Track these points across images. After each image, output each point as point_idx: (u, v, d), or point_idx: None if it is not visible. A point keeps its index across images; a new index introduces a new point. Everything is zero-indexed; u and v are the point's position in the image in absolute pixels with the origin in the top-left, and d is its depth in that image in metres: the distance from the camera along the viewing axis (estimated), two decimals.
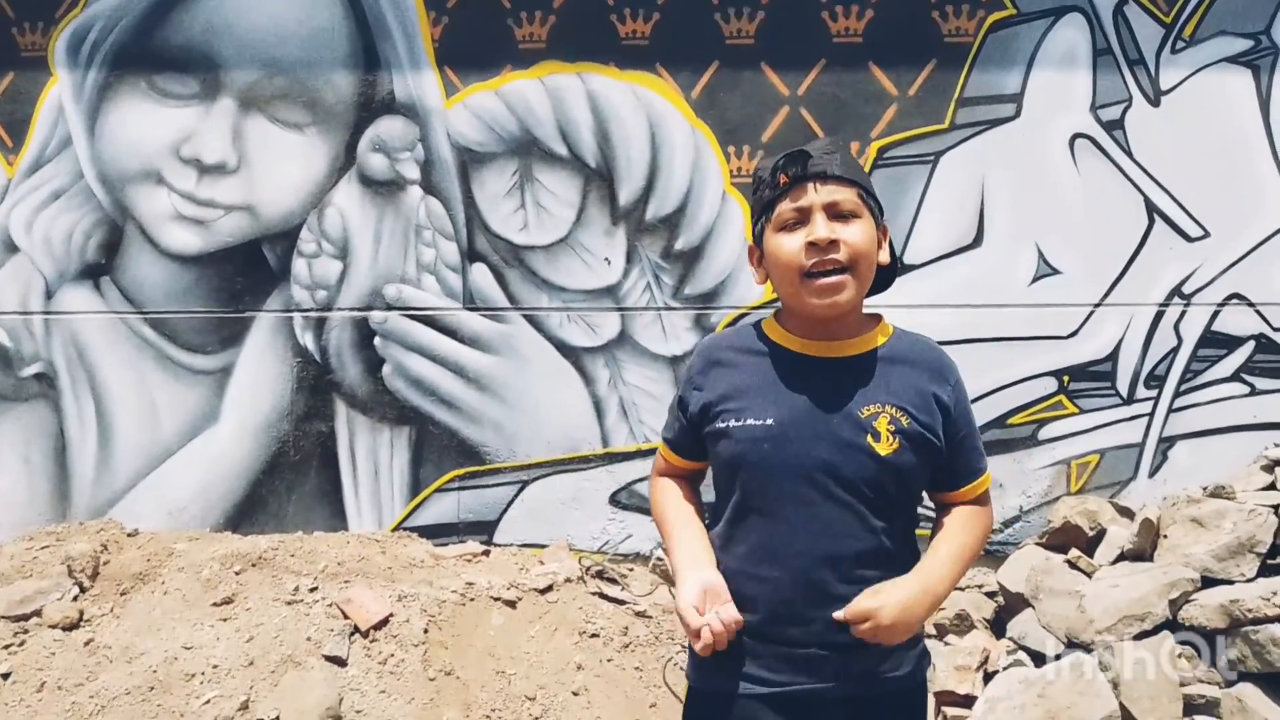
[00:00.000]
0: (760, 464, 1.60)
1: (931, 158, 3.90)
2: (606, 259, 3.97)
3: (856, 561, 1.59)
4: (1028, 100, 3.89)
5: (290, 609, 3.16)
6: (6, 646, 3.03)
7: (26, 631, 3.10)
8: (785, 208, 1.60)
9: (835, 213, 1.58)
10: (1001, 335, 3.90)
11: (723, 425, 1.64)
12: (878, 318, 1.70)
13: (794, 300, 1.63)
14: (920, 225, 3.91)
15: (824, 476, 1.58)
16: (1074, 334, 3.92)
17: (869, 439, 1.58)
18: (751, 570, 1.62)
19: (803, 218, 1.59)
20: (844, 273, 1.58)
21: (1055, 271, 3.92)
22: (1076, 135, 3.89)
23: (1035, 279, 3.91)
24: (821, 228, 1.56)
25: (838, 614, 1.54)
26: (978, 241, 3.91)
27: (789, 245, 1.59)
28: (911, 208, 3.91)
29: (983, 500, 1.73)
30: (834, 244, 1.56)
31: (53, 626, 3.13)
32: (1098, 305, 3.91)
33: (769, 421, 1.60)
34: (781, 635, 1.60)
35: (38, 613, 3.18)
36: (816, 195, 1.58)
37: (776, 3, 3.93)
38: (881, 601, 1.53)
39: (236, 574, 3.34)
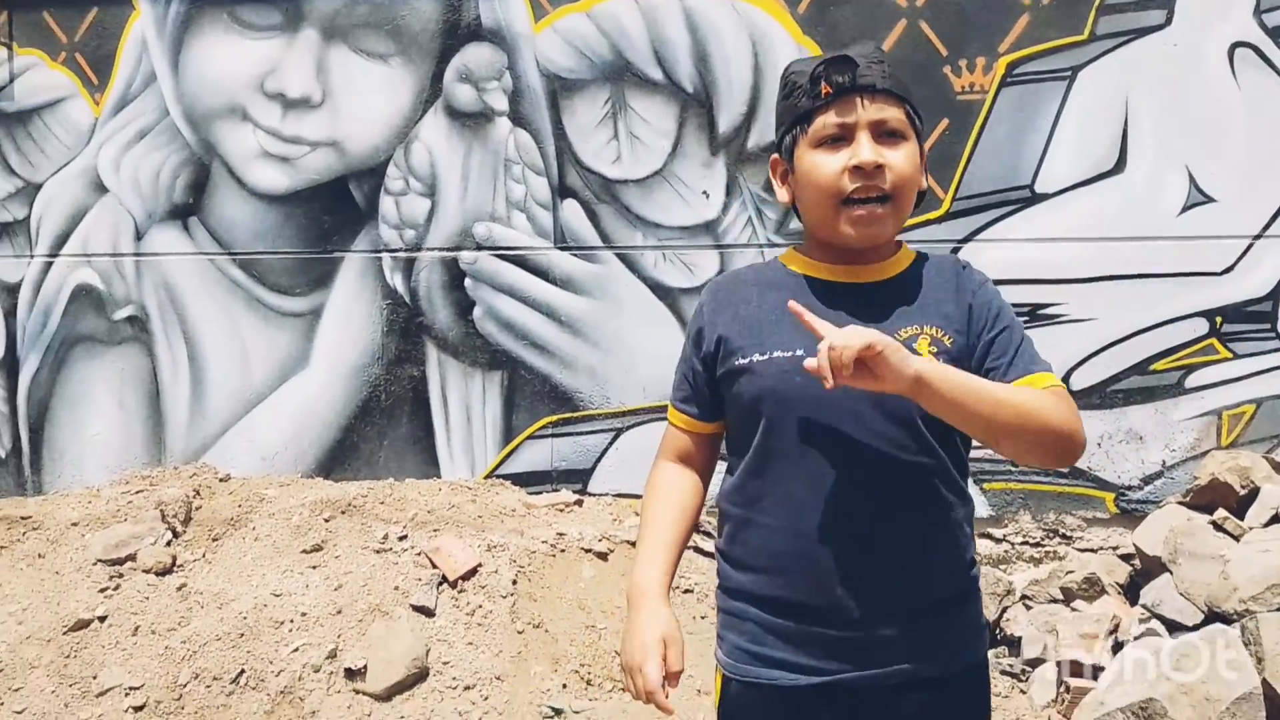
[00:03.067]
0: (790, 399, 1.49)
1: (1068, 73, 3.71)
2: (705, 192, 3.92)
3: (902, 504, 1.49)
4: (1180, 5, 3.65)
5: (379, 557, 3.26)
6: (103, 590, 3.22)
7: (121, 575, 3.29)
8: (827, 121, 1.49)
9: (881, 131, 1.49)
10: (1146, 271, 3.72)
11: (744, 361, 1.53)
12: (899, 243, 1.62)
13: (825, 227, 1.54)
14: (1054, 149, 3.73)
15: (864, 407, 1.48)
16: (1229, 270, 3.71)
17: None
18: (781, 525, 1.51)
19: (845, 134, 1.49)
20: (886, 201, 1.50)
21: (1208, 199, 3.70)
22: (1237, 44, 3.64)
23: (1185, 208, 3.71)
24: (867, 149, 1.47)
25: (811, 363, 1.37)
26: (1119, 167, 3.73)
27: (828, 166, 1.49)
28: (1045, 129, 3.73)
29: (1056, 393, 1.49)
30: (879, 169, 1.48)
31: (147, 571, 3.31)
32: (1257, 237, 3.69)
33: (799, 352, 1.48)
34: (821, 609, 1.50)
35: (132, 557, 3.37)
36: (863, 111, 1.48)
37: None
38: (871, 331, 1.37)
39: (326, 521, 3.46)
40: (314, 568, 3.25)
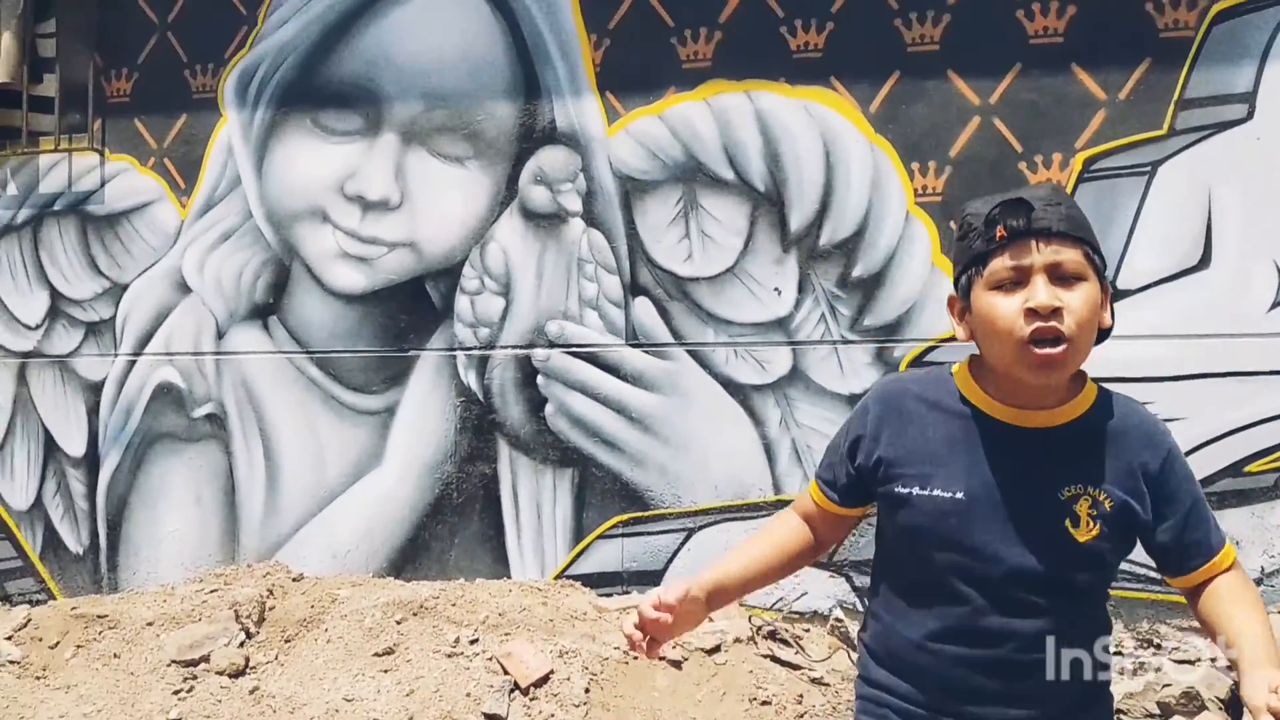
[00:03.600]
0: (945, 540, 1.55)
1: (1148, 168, 3.69)
2: (776, 289, 3.94)
3: (1039, 641, 1.54)
4: (1262, 98, 3.61)
5: (450, 661, 3.25)
6: (176, 692, 3.25)
7: (195, 677, 3.31)
8: (1001, 265, 1.52)
9: (1058, 274, 1.50)
10: (1235, 369, 3.62)
11: (904, 490, 1.58)
12: (1082, 376, 1.61)
13: (1006, 367, 1.56)
14: (1136, 245, 3.69)
15: (1014, 560, 1.52)
16: None
17: (1067, 524, 1.52)
18: (929, 646, 1.58)
19: (1021, 278, 1.51)
20: (1064, 343, 1.50)
21: None
22: None
23: (1275, 304, 3.63)
24: (1044, 293, 1.48)
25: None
26: (1204, 262, 3.67)
27: (1005, 309, 1.51)
28: (1125, 224, 3.70)
29: (1237, 567, 1.61)
30: (1057, 312, 1.49)
31: (220, 673, 3.33)
32: None
33: (959, 495, 1.54)
34: (956, 710, 1.57)
35: (206, 658, 3.40)
36: (1039, 255, 1.50)
37: (964, 3, 3.81)
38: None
39: (398, 623, 3.47)
40: (386, 671, 3.25)
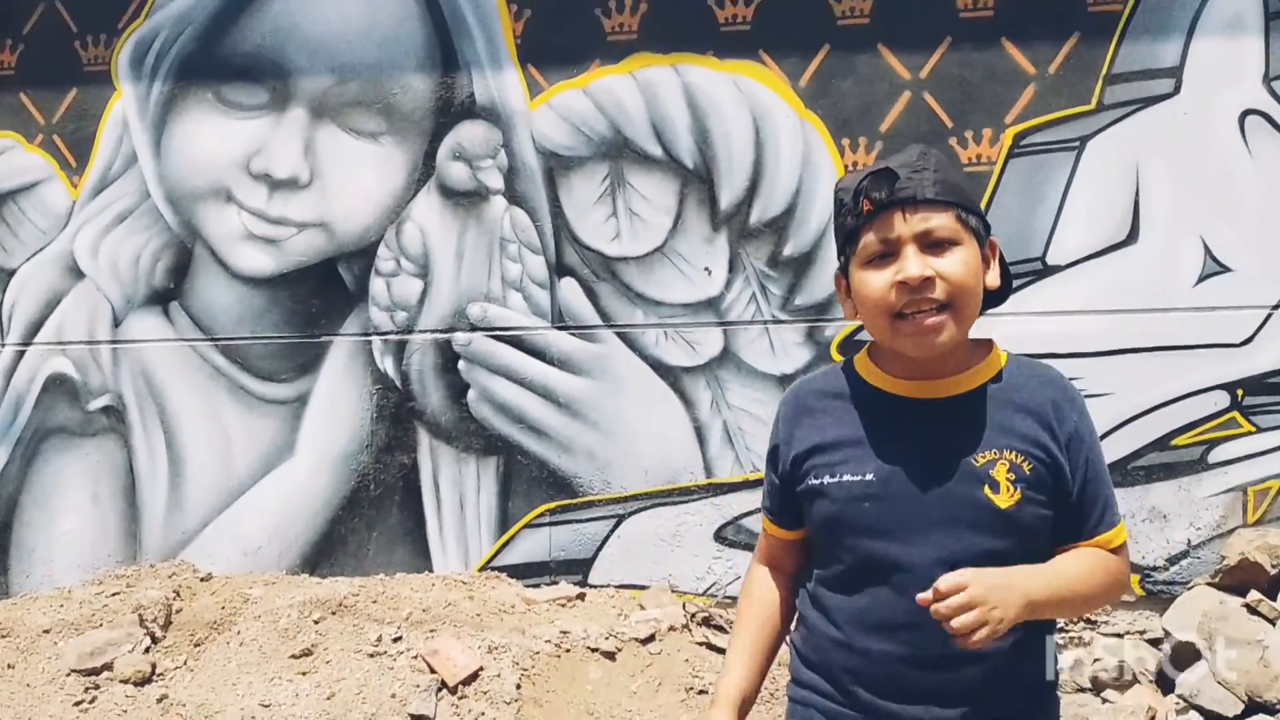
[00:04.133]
0: (860, 525, 1.52)
1: (1076, 143, 3.71)
2: (707, 269, 3.88)
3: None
4: (1189, 74, 3.66)
5: (373, 661, 3.16)
6: (78, 703, 3.08)
7: (98, 687, 3.14)
8: (870, 240, 1.50)
9: (929, 242, 1.47)
10: (1163, 344, 3.68)
11: (816, 482, 1.56)
12: (988, 344, 1.59)
13: (885, 342, 1.54)
14: (1065, 221, 3.72)
15: (935, 537, 1.48)
16: (1248, 341, 3.67)
17: (986, 490, 1.48)
18: (856, 643, 1.55)
19: (891, 250, 1.48)
20: (943, 311, 1.47)
21: (1225, 269, 3.68)
22: (1247, 112, 3.64)
23: (1201, 278, 3.69)
24: (913, 264, 1.46)
25: (925, 595, 1.39)
26: (1132, 237, 3.71)
27: (876, 284, 1.49)
28: (1054, 201, 3.72)
29: (1117, 553, 1.58)
30: (928, 282, 1.46)
31: (124, 681, 3.17)
32: (1276, 307, 3.66)
33: (869, 477, 1.52)
34: (888, 712, 1.53)
35: (108, 666, 3.23)
36: (905, 225, 1.47)
37: None
38: (976, 574, 1.39)
39: (316, 623, 3.35)
40: (304, 674, 3.13)
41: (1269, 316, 3.67)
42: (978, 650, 1.40)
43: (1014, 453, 1.49)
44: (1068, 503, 1.52)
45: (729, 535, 3.88)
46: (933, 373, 1.53)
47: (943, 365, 1.53)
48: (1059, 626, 3.73)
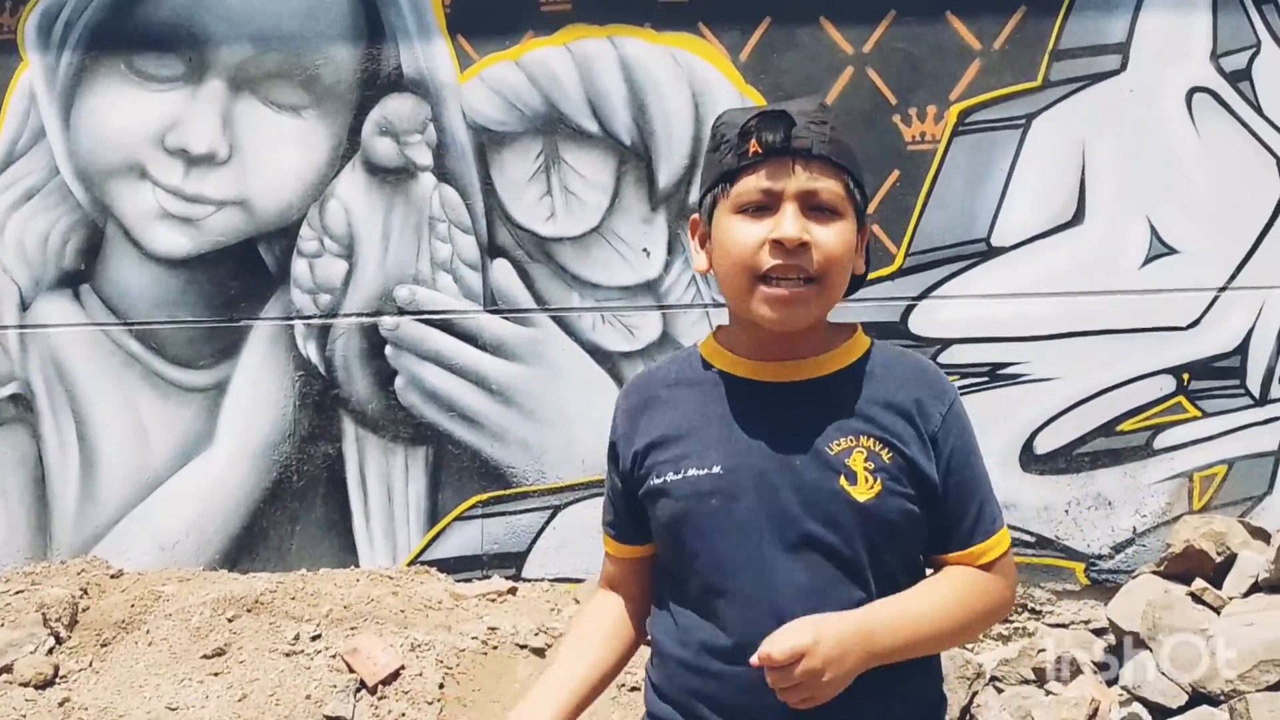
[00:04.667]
0: (708, 525, 1.38)
1: (1022, 121, 3.69)
2: (645, 250, 3.83)
3: None
4: (1135, 50, 3.64)
5: (289, 661, 3.09)
6: None
7: None
8: (750, 185, 1.35)
9: (812, 204, 1.35)
10: (1108, 327, 3.67)
11: (659, 481, 1.41)
12: (851, 328, 1.48)
13: (740, 303, 1.40)
14: (1010, 200, 3.69)
15: (788, 537, 1.35)
16: (1195, 324, 3.68)
17: (842, 481, 1.35)
18: (710, 665, 1.38)
19: (770, 203, 1.35)
20: (809, 283, 1.35)
21: (1171, 251, 3.68)
22: (1195, 89, 3.64)
23: (1148, 260, 3.68)
24: (791, 223, 1.33)
25: (758, 655, 1.26)
26: (1078, 218, 3.69)
27: (747, 236, 1.35)
28: (1000, 180, 3.69)
29: (997, 569, 1.43)
30: (804, 246, 1.33)
31: (24, 684, 3.07)
32: (1223, 289, 3.67)
33: (715, 470, 1.38)
34: None
35: (8, 668, 3.12)
36: (794, 179, 1.34)
37: None
38: (818, 635, 1.26)
39: (229, 621, 3.28)
40: (215, 675, 3.05)
41: (1216, 299, 3.67)
42: None
43: (872, 440, 1.36)
44: (934, 505, 1.39)
45: None
46: (786, 353, 1.41)
47: (798, 345, 1.41)
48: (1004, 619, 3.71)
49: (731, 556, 1.36)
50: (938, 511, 1.40)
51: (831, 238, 1.35)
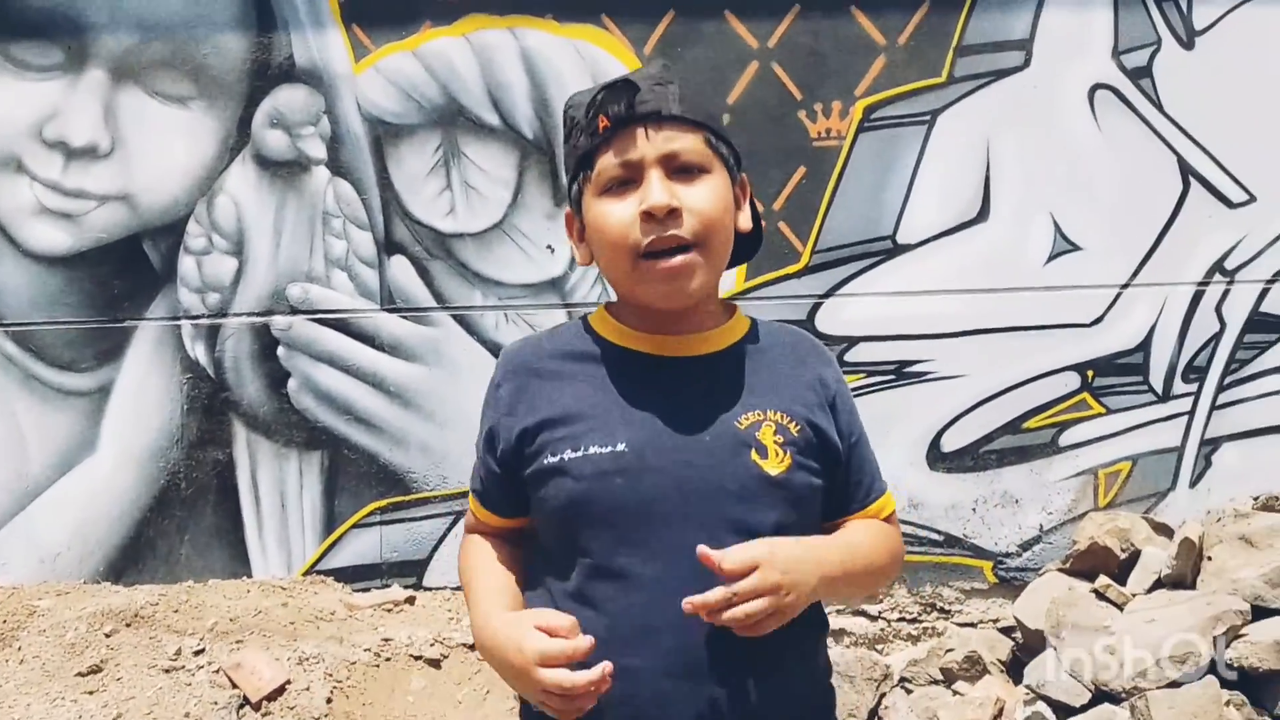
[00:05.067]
0: (612, 506, 1.33)
1: (927, 117, 3.71)
2: (550, 247, 3.78)
3: (746, 638, 1.31)
4: (1038, 46, 3.68)
5: (168, 677, 2.98)
6: None
7: None
8: (608, 162, 1.34)
9: (676, 167, 1.33)
10: (1013, 324, 3.71)
11: (554, 460, 1.36)
12: (730, 305, 1.48)
13: (626, 287, 1.39)
14: (915, 197, 3.71)
15: (699, 514, 1.32)
16: (1098, 320, 3.74)
17: (753, 455, 1.34)
18: (607, 659, 1.30)
19: (632, 176, 1.33)
20: (690, 250, 1.33)
21: (1075, 247, 3.73)
22: (1097, 86, 3.69)
23: (1051, 257, 3.73)
24: (657, 190, 1.31)
25: (706, 551, 1.23)
26: (983, 215, 3.72)
27: (616, 215, 1.33)
28: (905, 177, 3.71)
29: (891, 521, 1.51)
30: (675, 213, 1.31)
31: None
32: (1125, 286, 3.73)
33: (620, 447, 1.34)
34: None
35: None
36: (649, 145, 1.32)
37: None
38: (772, 548, 1.25)
39: (107, 636, 3.15)
40: (90, 693, 2.92)
41: (1118, 295, 3.73)
42: (757, 648, 1.26)
43: (779, 413, 1.36)
44: (837, 471, 1.42)
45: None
46: (680, 328, 1.39)
47: (690, 320, 1.40)
48: (912, 618, 3.73)
49: (638, 540, 1.32)
50: (840, 474, 1.42)
51: (702, 196, 1.33)
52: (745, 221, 1.43)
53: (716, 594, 1.22)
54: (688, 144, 1.34)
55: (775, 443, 1.34)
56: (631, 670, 1.30)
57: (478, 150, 3.77)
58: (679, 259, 1.32)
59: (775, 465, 1.34)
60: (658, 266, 1.32)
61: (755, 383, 1.38)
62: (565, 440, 1.36)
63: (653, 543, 1.32)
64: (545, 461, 1.37)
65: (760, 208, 1.48)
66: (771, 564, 1.23)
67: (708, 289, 1.38)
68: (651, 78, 1.34)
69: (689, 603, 1.23)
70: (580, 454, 1.35)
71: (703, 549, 1.23)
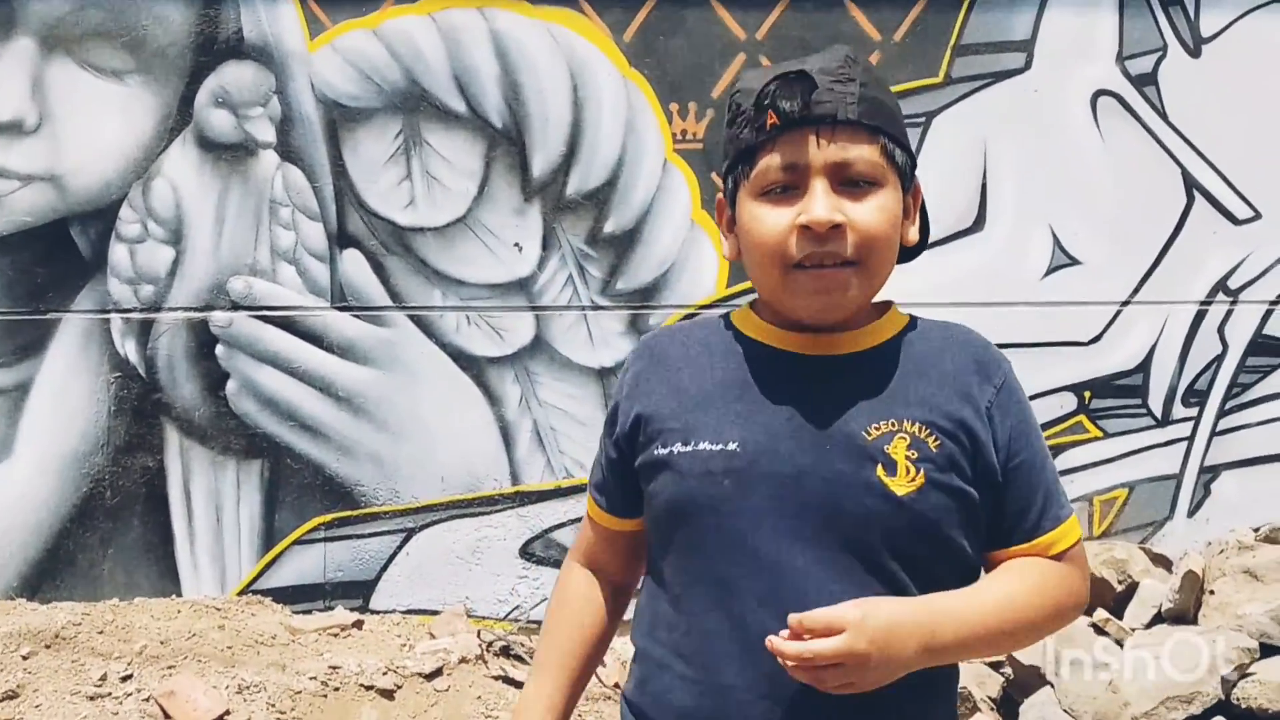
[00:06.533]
0: (716, 510, 1.29)
1: (922, 119, 3.74)
2: (517, 245, 3.76)
3: None
4: (1040, 48, 3.73)
5: (93, 705, 2.93)
6: None
7: None
8: (771, 164, 1.29)
9: (844, 178, 1.28)
10: (1009, 341, 3.69)
11: (664, 451, 1.33)
12: (887, 304, 1.41)
13: (773, 296, 1.35)
14: None
15: (812, 531, 1.27)
16: (1096, 339, 3.78)
17: (879, 472, 1.27)
18: (696, 677, 1.31)
19: (795, 182, 1.29)
20: (848, 266, 1.28)
21: (1074, 261, 3.77)
22: (1100, 92, 3.74)
23: (1049, 271, 3.77)
24: (821, 205, 1.26)
25: (792, 622, 1.18)
26: (978, 224, 3.76)
27: (772, 223, 1.29)
28: None
29: (1069, 560, 1.36)
30: (837, 230, 1.26)
31: None
32: (1125, 303, 3.77)
33: (731, 446, 1.29)
34: None
35: None
36: (818, 152, 1.27)
37: None
38: (864, 611, 1.18)
39: (25, 659, 3.09)
40: None
41: (1118, 313, 3.77)
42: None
43: (917, 425, 1.28)
44: (993, 493, 1.31)
45: (537, 551, 3.78)
46: (825, 328, 1.34)
47: (836, 318, 1.34)
48: None
49: (742, 548, 1.28)
50: (998, 500, 1.32)
51: (870, 214, 1.28)
52: (912, 235, 1.38)
53: (792, 648, 1.17)
54: (862, 154, 1.28)
55: (907, 459, 1.27)
56: (725, 688, 1.28)
57: (441, 138, 3.74)
58: (835, 272, 1.27)
59: (903, 485, 1.26)
60: (810, 276, 1.28)
61: (896, 388, 1.31)
62: (677, 432, 1.33)
63: (760, 555, 1.27)
64: (655, 453, 1.35)
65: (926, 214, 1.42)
66: (860, 630, 1.16)
67: (861, 304, 1.33)
68: (830, 73, 1.28)
69: (770, 642, 1.18)
70: (690, 449, 1.31)
71: (792, 621, 1.18)
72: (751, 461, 1.28)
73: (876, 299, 1.38)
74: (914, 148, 3.62)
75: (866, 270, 1.29)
